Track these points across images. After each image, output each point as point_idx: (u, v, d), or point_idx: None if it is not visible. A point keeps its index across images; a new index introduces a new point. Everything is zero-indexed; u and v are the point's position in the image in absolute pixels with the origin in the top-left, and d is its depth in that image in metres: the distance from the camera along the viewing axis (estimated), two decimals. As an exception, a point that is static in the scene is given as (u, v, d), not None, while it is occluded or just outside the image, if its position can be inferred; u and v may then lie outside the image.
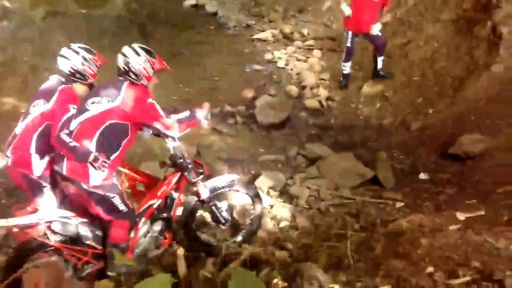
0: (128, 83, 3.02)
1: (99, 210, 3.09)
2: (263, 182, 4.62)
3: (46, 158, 3.18)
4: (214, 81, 7.21)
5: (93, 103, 2.96)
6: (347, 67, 6.82)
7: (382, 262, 2.04)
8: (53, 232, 3.03)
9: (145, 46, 3.11)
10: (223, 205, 3.63)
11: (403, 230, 2.42)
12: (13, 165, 3.16)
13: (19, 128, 3.19)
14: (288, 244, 3.58)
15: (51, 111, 3.12)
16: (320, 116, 6.42)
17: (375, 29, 6.35)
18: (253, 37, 8.79)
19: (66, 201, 3.29)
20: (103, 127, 2.94)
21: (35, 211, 3.13)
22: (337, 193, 4.61)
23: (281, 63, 7.78)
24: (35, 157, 3.13)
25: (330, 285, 1.81)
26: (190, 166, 3.32)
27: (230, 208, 3.74)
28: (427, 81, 6.46)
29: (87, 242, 3.16)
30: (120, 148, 3.06)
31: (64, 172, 2.96)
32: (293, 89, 6.86)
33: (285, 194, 4.58)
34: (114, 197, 3.06)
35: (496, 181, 4.46)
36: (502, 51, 6.00)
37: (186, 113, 3.30)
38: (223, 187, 3.62)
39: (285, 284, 2.21)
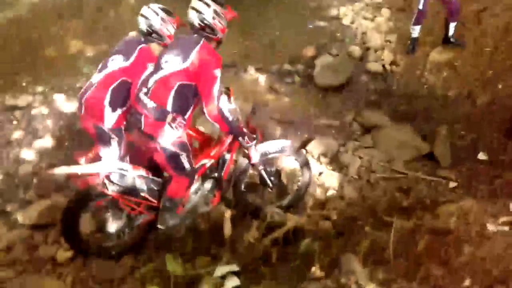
0: (202, 43, 3.07)
1: (166, 165, 3.28)
2: (315, 148, 4.65)
3: (118, 112, 3.32)
4: (275, 36, 7.10)
5: (166, 61, 3.08)
6: (416, 31, 6.45)
7: (422, 263, 2.04)
8: (111, 182, 3.26)
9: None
10: (272, 169, 3.73)
11: (450, 229, 2.38)
12: (86, 113, 3.33)
13: (96, 78, 3.33)
14: (333, 214, 3.65)
15: (129, 68, 3.26)
16: (381, 81, 6.20)
17: (452, -9, 5.91)
18: (320, -11, 8.43)
19: (129, 154, 3.50)
20: (175, 87, 3.07)
21: (96, 159, 3.36)
22: (389, 166, 4.55)
23: (346, 20, 7.47)
24: (107, 110, 3.27)
25: (367, 286, 1.86)
26: (244, 132, 3.38)
27: (279, 173, 3.84)
28: (500, 53, 6.00)
29: (142, 194, 3.38)
30: (191, 107, 3.22)
31: (143, 128, 3.13)
32: (356, 50, 6.62)
33: (335, 161, 4.59)
34: (182, 155, 3.22)
35: None
36: None
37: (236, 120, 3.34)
38: (274, 152, 3.70)
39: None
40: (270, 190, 3.81)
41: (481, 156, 4.86)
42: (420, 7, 6.17)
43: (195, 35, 3.11)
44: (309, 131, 5.11)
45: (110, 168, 3.24)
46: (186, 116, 3.19)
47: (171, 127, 3.08)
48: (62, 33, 6.78)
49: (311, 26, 7.42)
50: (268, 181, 3.72)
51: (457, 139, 5.10)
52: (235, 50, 6.69)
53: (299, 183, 3.94)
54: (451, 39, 6.30)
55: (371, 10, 7.62)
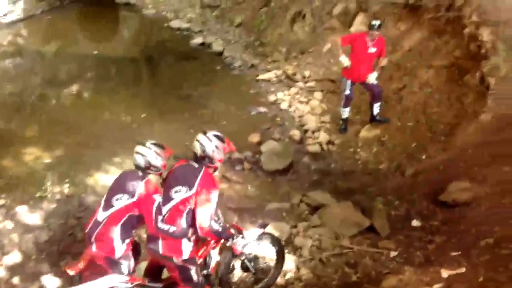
0: (203, 171, 3.63)
1: (178, 278, 3.78)
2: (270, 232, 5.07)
3: (126, 241, 3.75)
4: (222, 125, 7.71)
5: (176, 192, 3.62)
6: (345, 112, 7.32)
7: None
8: None
9: (217, 133, 3.80)
10: (251, 256, 4.21)
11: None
12: (97, 249, 3.70)
13: (101, 216, 3.69)
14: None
15: (136, 203, 3.65)
16: (321, 161, 6.90)
17: (372, 78, 6.87)
18: (257, 77, 9.31)
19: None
20: (186, 210, 3.61)
21: (87, 269, 3.79)
22: (337, 243, 5.05)
23: (284, 105, 8.30)
24: (117, 243, 3.67)
25: None
26: (231, 234, 3.85)
27: (256, 259, 4.30)
28: (421, 126, 6.95)
29: None
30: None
31: (160, 251, 3.66)
32: (296, 133, 7.36)
33: (290, 244, 5.02)
34: (192, 269, 3.72)
35: (480, 232, 4.92)
36: (490, 101, 6.46)
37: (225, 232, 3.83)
38: (252, 241, 4.15)
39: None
40: (252, 274, 4.28)
41: (415, 223, 5.49)
42: (347, 92, 7.07)
43: (196, 163, 3.68)
44: (263, 216, 5.57)
45: (112, 282, 3.64)
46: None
47: (189, 240, 3.65)
48: (16, 142, 7.05)
49: (253, 113, 8.14)
50: (250, 267, 4.20)
51: (392, 209, 5.74)
52: (187, 142, 7.19)
53: (271, 269, 4.42)
54: (377, 117, 7.20)
55: (305, 94, 8.52)
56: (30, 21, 12.12)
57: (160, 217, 3.62)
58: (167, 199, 3.65)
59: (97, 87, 9.41)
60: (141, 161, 3.73)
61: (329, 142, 7.21)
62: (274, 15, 10.46)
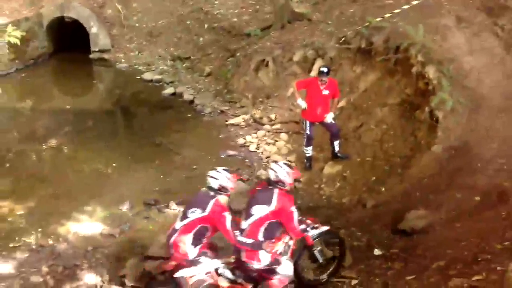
0: (279, 191, 4.44)
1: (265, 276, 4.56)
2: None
3: (199, 246, 4.49)
4: (193, 170, 7.99)
5: (256, 210, 4.41)
6: (309, 151, 7.71)
7: None
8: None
9: (286, 162, 4.82)
10: (319, 249, 4.93)
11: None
12: (174, 253, 4.47)
13: (178, 225, 4.47)
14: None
15: (207, 217, 4.36)
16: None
17: (329, 118, 7.33)
18: (227, 122, 9.71)
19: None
20: (265, 224, 4.41)
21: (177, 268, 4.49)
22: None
23: (252, 147, 8.66)
24: (190, 248, 4.44)
25: None
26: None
27: (322, 251, 5.00)
28: (379, 160, 7.36)
29: (238, 281, 4.60)
30: (277, 234, 4.54)
31: (243, 259, 4.47)
32: (264, 174, 7.66)
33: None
34: (278, 267, 4.52)
35: (434, 256, 5.21)
36: (440, 133, 6.96)
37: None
38: (320, 235, 4.86)
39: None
40: (321, 265, 5.05)
41: (376, 252, 5.76)
42: (308, 132, 7.49)
43: (271, 187, 4.49)
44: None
45: (212, 266, 4.52)
46: (273, 240, 4.49)
47: (266, 251, 4.39)
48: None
49: (223, 156, 8.45)
50: (319, 257, 4.92)
51: (355, 240, 6.00)
52: (157, 187, 7.44)
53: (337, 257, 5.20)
54: (338, 154, 7.59)
55: (272, 136, 8.92)
56: (4, 79, 12.42)
57: (238, 232, 4.39)
58: (248, 215, 4.46)
59: (73, 140, 9.62)
60: (214, 184, 4.46)
61: (295, 180, 7.50)
62: (239, 64, 11.03)
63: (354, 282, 5.09)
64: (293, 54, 9.67)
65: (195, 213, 4.38)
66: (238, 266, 4.67)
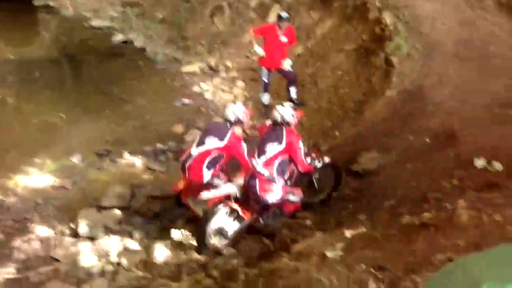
0: (286, 129, 4.92)
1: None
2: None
3: (212, 170, 4.80)
4: (147, 119, 7.76)
5: (269, 147, 4.89)
6: (266, 98, 7.63)
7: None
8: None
9: (291, 104, 5.41)
10: (316, 176, 5.50)
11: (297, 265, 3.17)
12: (190, 176, 4.81)
13: (194, 151, 4.78)
14: (213, 271, 4.25)
15: (225, 147, 4.71)
16: (246, 145, 7.13)
17: (286, 65, 7.22)
18: (181, 70, 9.41)
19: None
20: (278, 159, 4.89)
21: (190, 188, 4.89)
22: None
23: (208, 95, 8.47)
24: (205, 171, 4.76)
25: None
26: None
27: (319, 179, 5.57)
28: (334, 106, 7.40)
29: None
30: (288, 169, 5.07)
31: (258, 192, 4.83)
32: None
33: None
34: (291, 196, 5.05)
35: (385, 195, 5.38)
36: (394, 78, 7.03)
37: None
38: (322, 167, 5.40)
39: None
40: (316, 190, 5.56)
41: (334, 194, 5.89)
42: (264, 79, 7.38)
43: (278, 127, 4.94)
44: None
45: (232, 189, 4.93)
46: (285, 175, 5.04)
47: (275, 182, 4.87)
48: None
49: (178, 105, 8.24)
50: (315, 183, 5.49)
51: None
52: (108, 138, 7.18)
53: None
54: (295, 101, 7.56)
55: (228, 84, 8.74)
56: None
57: (254, 160, 4.78)
58: (262, 152, 4.92)
59: (18, 92, 9.08)
60: (232, 116, 4.81)
61: (253, 127, 7.45)
62: (194, 10, 10.58)
63: (308, 222, 5.20)
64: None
65: (212, 142, 4.71)
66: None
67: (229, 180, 5.08)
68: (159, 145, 6.83)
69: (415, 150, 6.17)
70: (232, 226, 4.85)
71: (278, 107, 5.04)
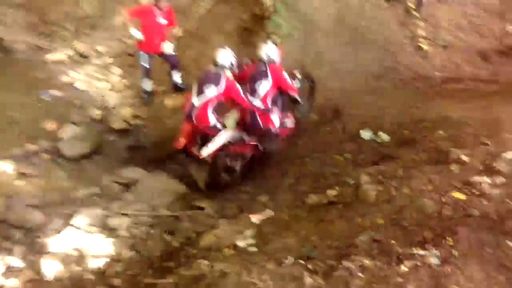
0: (269, 66, 5.53)
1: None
2: (81, 221, 4.66)
3: (215, 114, 5.31)
4: (8, 116, 6.70)
5: (258, 86, 5.48)
6: (147, 84, 7.14)
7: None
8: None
9: (274, 40, 6.32)
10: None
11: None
12: (198, 124, 5.31)
13: (196, 101, 5.30)
14: (114, 280, 3.82)
15: (224, 91, 5.22)
16: (130, 137, 6.63)
17: (167, 48, 6.81)
18: (46, 59, 8.33)
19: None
20: (270, 95, 5.51)
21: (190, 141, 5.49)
22: (154, 214, 4.95)
23: (80, 85, 7.62)
24: (210, 116, 5.28)
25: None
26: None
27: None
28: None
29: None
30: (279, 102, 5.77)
31: (260, 123, 5.54)
32: (98, 113, 6.87)
33: (105, 228, 4.69)
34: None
35: (284, 174, 5.42)
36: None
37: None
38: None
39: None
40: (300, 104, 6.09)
41: (225, 177, 5.75)
42: (145, 64, 6.89)
43: (263, 63, 5.55)
44: (72, 205, 5.08)
45: (230, 137, 5.45)
46: (278, 106, 5.71)
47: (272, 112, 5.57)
48: None
49: (45, 98, 7.25)
50: (299, 100, 5.94)
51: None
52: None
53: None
54: (180, 85, 7.21)
55: (102, 71, 7.99)
56: None
57: (251, 97, 5.38)
58: (252, 91, 5.48)
59: None
60: (226, 60, 5.32)
61: (136, 117, 6.96)
62: (55, -9, 9.42)
63: (209, 211, 5.00)
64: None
65: (210, 90, 5.21)
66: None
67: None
68: (30, 147, 5.95)
69: (304, 127, 6.32)
70: (237, 163, 5.67)
71: (263, 45, 5.62)
